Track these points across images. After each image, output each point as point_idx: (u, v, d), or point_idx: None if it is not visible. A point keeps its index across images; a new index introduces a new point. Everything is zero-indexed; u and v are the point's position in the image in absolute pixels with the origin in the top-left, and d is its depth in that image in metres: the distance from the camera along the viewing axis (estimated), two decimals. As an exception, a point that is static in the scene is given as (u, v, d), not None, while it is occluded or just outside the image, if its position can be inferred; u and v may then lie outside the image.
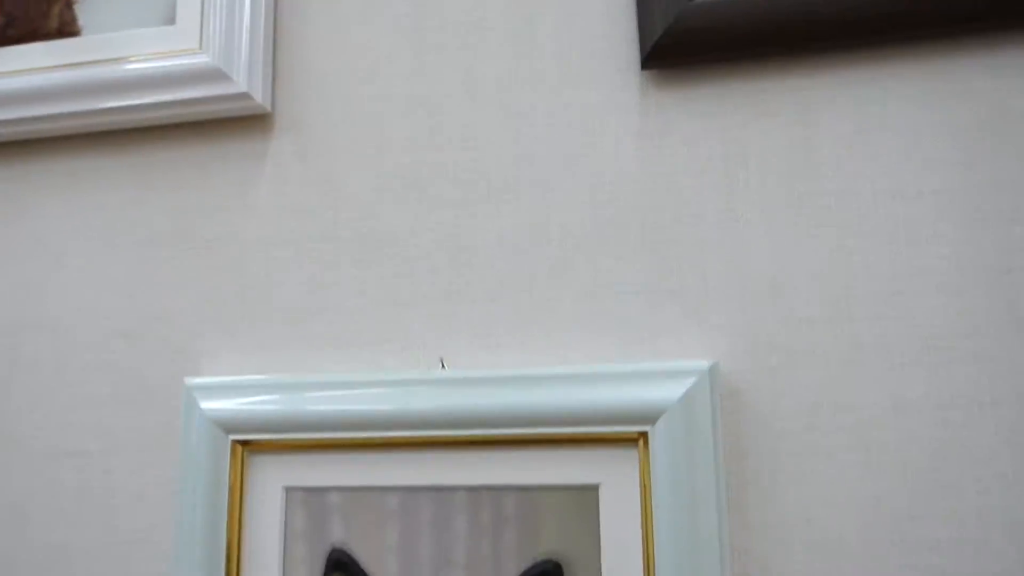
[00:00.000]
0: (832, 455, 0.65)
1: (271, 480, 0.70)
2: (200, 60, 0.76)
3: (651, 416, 0.64)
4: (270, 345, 0.74)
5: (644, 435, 0.64)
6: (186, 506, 0.69)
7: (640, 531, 0.64)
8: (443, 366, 0.70)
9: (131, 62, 0.77)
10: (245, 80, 0.75)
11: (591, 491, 0.65)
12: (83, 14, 0.82)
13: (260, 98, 0.76)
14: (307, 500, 0.69)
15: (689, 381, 0.64)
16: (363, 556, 0.67)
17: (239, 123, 0.79)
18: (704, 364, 0.64)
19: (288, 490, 0.70)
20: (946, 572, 0.61)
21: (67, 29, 0.81)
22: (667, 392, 0.64)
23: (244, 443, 0.70)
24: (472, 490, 0.67)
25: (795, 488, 0.65)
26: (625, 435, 0.64)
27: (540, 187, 0.72)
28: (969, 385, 0.63)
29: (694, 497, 0.62)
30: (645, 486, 0.64)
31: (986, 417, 0.63)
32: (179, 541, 0.69)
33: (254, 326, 0.75)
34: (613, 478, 0.65)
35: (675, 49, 0.69)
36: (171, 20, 0.78)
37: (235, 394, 0.70)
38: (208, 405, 0.70)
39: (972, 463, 0.62)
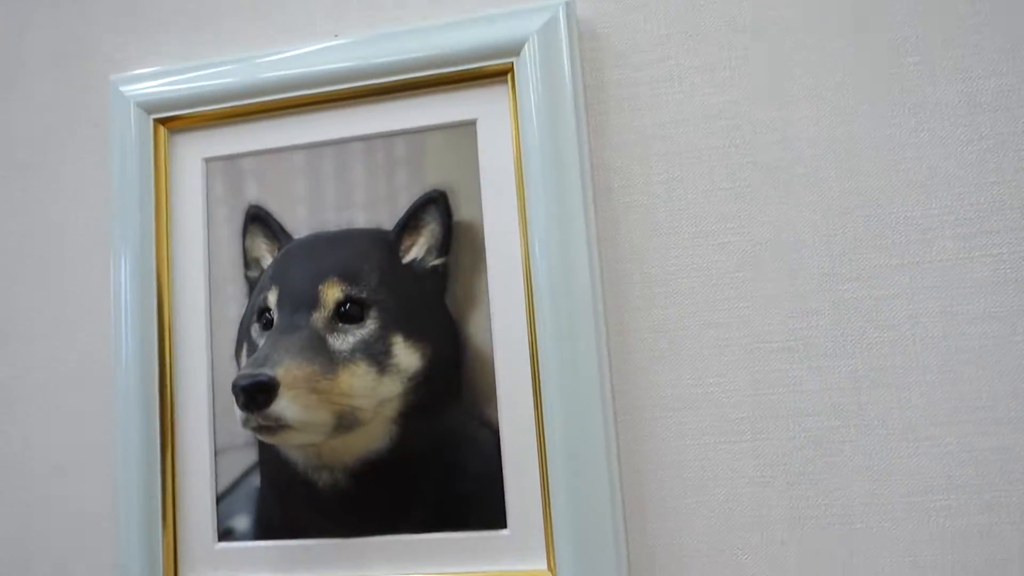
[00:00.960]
0: (682, 78, 0.72)
1: (191, 154, 0.78)
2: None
3: (514, 48, 0.71)
4: (183, 40, 0.82)
5: (511, 68, 0.71)
6: (120, 192, 0.78)
7: (512, 158, 0.72)
8: (335, 35, 0.77)
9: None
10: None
11: (469, 127, 0.73)
12: None
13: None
14: (225, 168, 0.77)
15: (547, 15, 0.71)
16: (276, 209, 0.76)
17: None
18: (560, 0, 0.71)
19: (207, 161, 0.78)
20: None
21: None
22: (527, 26, 0.71)
23: (164, 121, 0.78)
24: (366, 139, 0.75)
25: (651, 113, 0.72)
26: (494, 68, 0.72)
27: None
28: None
29: (555, 121, 0.70)
30: (515, 117, 0.71)
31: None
32: (116, 219, 0.78)
33: (169, 31, 0.83)
34: (488, 112, 0.73)
35: None
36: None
37: (153, 79, 0.78)
38: (129, 90, 0.78)
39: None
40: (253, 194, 0.77)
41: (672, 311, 0.71)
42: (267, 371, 0.64)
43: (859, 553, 0.65)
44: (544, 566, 0.67)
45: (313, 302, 0.70)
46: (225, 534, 0.73)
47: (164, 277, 0.77)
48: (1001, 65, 0.68)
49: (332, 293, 0.70)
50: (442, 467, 0.69)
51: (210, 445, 0.75)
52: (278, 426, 0.65)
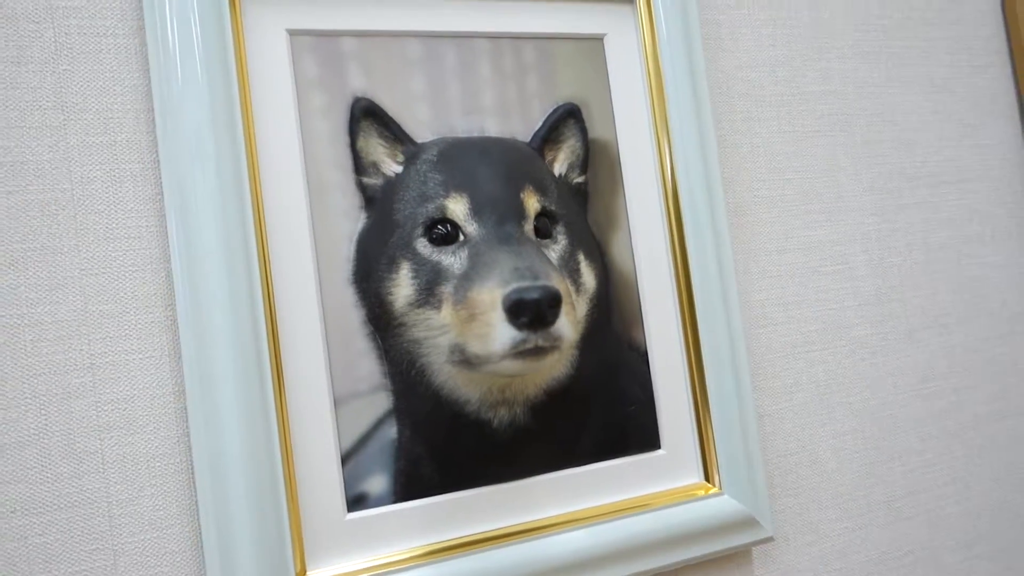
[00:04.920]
0: (754, 28, 0.79)
1: (271, 22, 0.60)
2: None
3: (650, -31, 0.70)
4: None
5: (645, -13, 0.70)
6: (179, 56, 0.56)
7: (644, 78, 0.71)
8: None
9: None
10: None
11: (596, 42, 0.70)
12: None
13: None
14: (317, 46, 0.61)
15: (676, -59, 0.72)
16: (390, 105, 0.63)
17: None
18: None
19: (292, 34, 0.61)
20: None
21: None
22: (663, -53, 0.71)
23: (238, -28, 0.58)
24: (493, 38, 0.67)
25: (732, 55, 0.78)
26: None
27: None
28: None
29: (689, 47, 0.72)
30: (651, 37, 0.70)
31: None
32: (181, 104, 0.56)
33: None
34: (616, 29, 0.71)
35: None
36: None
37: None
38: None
39: None
40: (359, 84, 0.62)
41: (756, 238, 0.78)
42: (546, 282, 0.54)
43: (878, 417, 0.81)
44: (704, 480, 0.69)
45: (519, 212, 0.61)
46: (356, 501, 0.59)
47: (255, 183, 0.58)
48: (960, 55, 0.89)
49: (532, 203, 0.62)
50: (610, 392, 0.66)
51: (329, 394, 0.59)
52: (551, 348, 0.55)
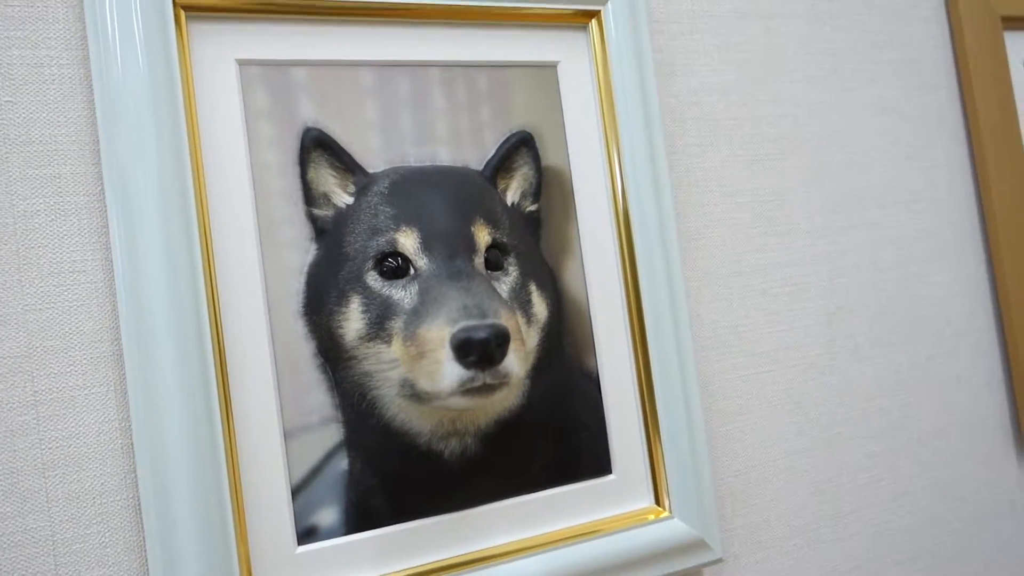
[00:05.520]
0: (707, 53, 0.80)
1: (219, 52, 0.60)
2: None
3: (602, -3, 0.71)
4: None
5: (597, 14, 0.71)
6: (125, 88, 0.55)
7: (597, 105, 0.72)
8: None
9: None
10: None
11: (550, 69, 0.71)
12: None
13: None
14: (267, 76, 0.61)
15: (629, -32, 0.72)
16: (341, 135, 0.63)
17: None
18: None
19: (241, 64, 0.60)
20: None
21: None
22: (616, -25, 0.71)
23: (186, 4, 0.58)
24: (446, 66, 0.67)
25: (684, 79, 0.79)
26: (578, 12, 0.70)
27: None
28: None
29: (642, 74, 0.73)
30: (603, 64, 0.71)
31: None
32: (127, 136, 0.55)
33: None
34: (569, 56, 0.72)
35: None
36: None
37: (164, -57, 0.57)
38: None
39: None
40: (310, 114, 0.62)
41: (708, 262, 0.79)
42: (494, 320, 0.54)
43: (827, 435, 0.83)
44: (654, 503, 0.70)
45: (469, 246, 0.61)
46: (307, 534, 0.59)
47: (203, 215, 0.57)
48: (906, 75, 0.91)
49: (482, 236, 0.62)
50: (560, 420, 0.67)
51: (279, 426, 0.59)
52: (499, 384, 0.56)
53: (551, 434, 0.67)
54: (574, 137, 0.71)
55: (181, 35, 0.58)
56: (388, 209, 0.62)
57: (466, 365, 0.57)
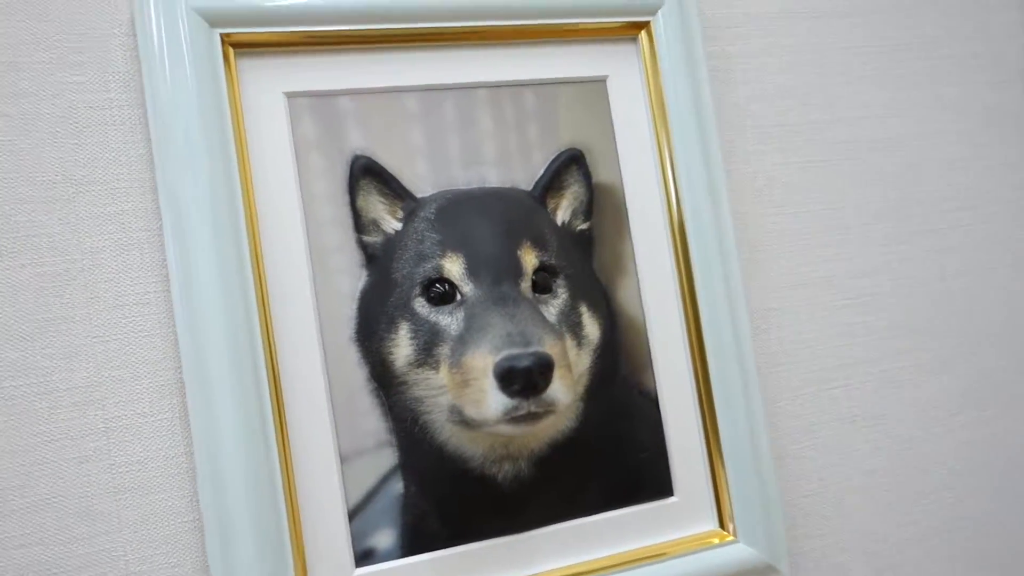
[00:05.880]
0: (763, 55, 0.78)
1: (269, 86, 0.62)
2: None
3: (651, 7, 0.69)
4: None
5: (646, 25, 0.70)
6: (178, 125, 0.58)
7: (649, 118, 0.70)
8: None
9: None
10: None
11: (599, 84, 0.70)
12: None
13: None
14: (314, 107, 0.62)
15: (679, -23, 0.70)
16: (389, 161, 0.63)
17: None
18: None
19: (290, 96, 0.62)
20: None
21: None
22: (665, -16, 0.70)
23: (234, 40, 0.59)
24: (493, 87, 0.67)
25: (744, 87, 0.76)
26: (626, 25, 0.69)
27: None
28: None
29: (695, 84, 0.71)
30: (653, 76, 0.70)
31: None
32: (182, 173, 0.58)
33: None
34: (618, 70, 0.70)
35: None
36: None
37: (215, -16, 0.59)
38: (187, -7, 0.58)
39: None
40: (357, 142, 0.63)
41: (770, 274, 0.76)
42: (538, 348, 0.54)
43: (906, 454, 0.79)
44: (718, 527, 0.68)
45: (516, 270, 0.61)
46: (364, 556, 0.60)
47: (255, 246, 0.59)
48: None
49: (530, 259, 0.61)
50: (617, 442, 0.66)
51: (335, 451, 0.60)
52: (545, 412, 0.56)
53: (608, 456, 0.66)
54: (626, 152, 0.70)
55: (230, 72, 0.60)
56: (434, 235, 0.62)
57: (510, 394, 0.57)
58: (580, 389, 0.64)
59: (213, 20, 0.59)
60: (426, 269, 0.61)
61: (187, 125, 0.58)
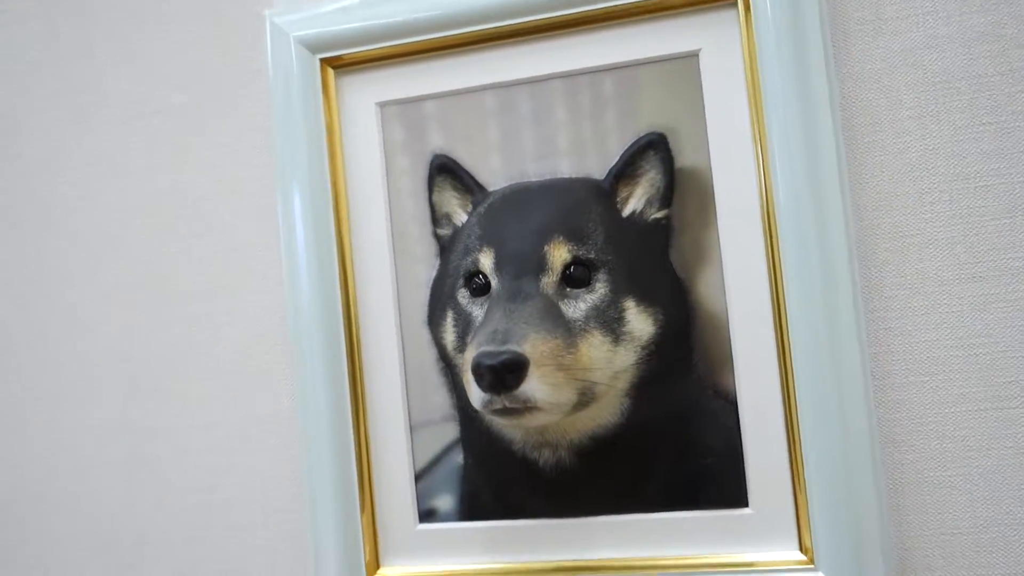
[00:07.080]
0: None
1: (363, 98, 0.70)
2: None
3: (749, -34, 0.62)
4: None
5: (744, -10, 0.62)
6: (286, 144, 0.70)
7: (745, 94, 0.63)
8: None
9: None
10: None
11: (689, 59, 0.65)
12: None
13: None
14: (402, 113, 0.69)
15: (787, -74, 0.61)
16: (465, 158, 0.68)
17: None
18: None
19: (381, 106, 0.70)
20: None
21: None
22: (766, -60, 0.61)
23: (330, 61, 0.69)
24: (568, 76, 0.67)
25: (899, 37, 0.63)
26: (723, -8, 0.63)
27: None
28: None
29: (801, 51, 0.61)
30: (750, 46, 0.62)
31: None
32: (284, 174, 0.70)
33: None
34: (713, 42, 0.64)
35: None
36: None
37: (316, 15, 0.69)
38: (286, 24, 0.69)
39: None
40: (437, 142, 0.69)
41: (928, 264, 0.63)
42: (513, 347, 0.57)
43: None
44: (796, 549, 0.61)
45: (540, 265, 0.63)
46: (427, 515, 0.68)
47: (344, 238, 0.69)
48: None
49: (559, 254, 0.62)
50: (675, 442, 0.63)
51: (405, 420, 0.69)
52: (525, 408, 0.59)
53: (666, 455, 0.63)
54: (717, 134, 0.64)
55: (327, 88, 0.70)
56: (478, 229, 0.66)
57: (483, 388, 0.58)
58: (623, 385, 0.62)
59: (314, 47, 0.70)
60: (467, 263, 0.65)
61: (293, 136, 0.70)
